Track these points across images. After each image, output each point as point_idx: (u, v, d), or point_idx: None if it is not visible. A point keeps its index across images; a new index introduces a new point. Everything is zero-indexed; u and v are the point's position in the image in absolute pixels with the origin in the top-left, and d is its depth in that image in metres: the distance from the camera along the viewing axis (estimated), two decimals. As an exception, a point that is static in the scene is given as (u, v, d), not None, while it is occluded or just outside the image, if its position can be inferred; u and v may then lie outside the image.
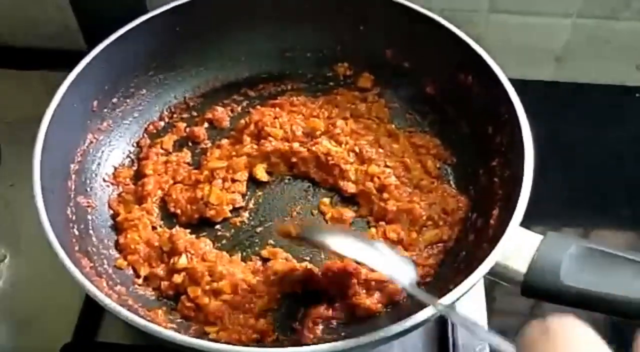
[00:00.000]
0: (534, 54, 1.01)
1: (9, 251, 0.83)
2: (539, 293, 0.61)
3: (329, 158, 0.78)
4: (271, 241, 0.75)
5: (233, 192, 0.78)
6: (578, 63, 1.02)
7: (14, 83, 1.02)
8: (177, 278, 0.70)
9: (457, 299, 0.58)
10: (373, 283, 0.69)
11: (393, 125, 0.84)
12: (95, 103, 0.79)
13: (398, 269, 0.59)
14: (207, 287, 0.68)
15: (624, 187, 0.93)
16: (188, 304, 0.68)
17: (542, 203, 0.87)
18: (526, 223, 0.86)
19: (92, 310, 0.74)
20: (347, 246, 0.61)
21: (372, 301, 0.68)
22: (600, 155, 0.96)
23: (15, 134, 0.90)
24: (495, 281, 0.63)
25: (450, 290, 0.58)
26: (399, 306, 0.69)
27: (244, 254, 0.74)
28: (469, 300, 0.76)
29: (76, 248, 0.68)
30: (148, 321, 0.60)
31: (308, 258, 0.74)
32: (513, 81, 0.98)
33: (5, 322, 0.78)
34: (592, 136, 0.98)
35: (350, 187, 0.77)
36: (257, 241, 0.76)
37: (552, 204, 0.90)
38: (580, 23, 0.96)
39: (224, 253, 0.73)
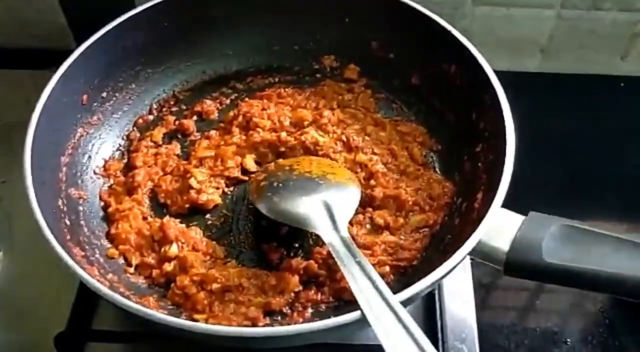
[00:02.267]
0: (519, 46, 1.02)
1: (3, 245, 0.84)
2: (521, 271, 0.62)
3: (317, 147, 0.79)
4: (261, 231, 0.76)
5: (221, 177, 0.79)
6: (563, 54, 1.03)
7: (5, 82, 1.03)
8: (168, 266, 0.70)
9: (442, 277, 0.59)
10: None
11: (379, 115, 0.85)
12: (84, 97, 0.80)
13: None
14: (195, 278, 0.68)
15: (610, 177, 0.94)
16: (177, 291, 0.68)
17: (527, 194, 0.89)
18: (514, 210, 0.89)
19: (85, 300, 0.75)
20: None
21: (359, 285, 0.69)
22: (586, 145, 0.97)
23: (6, 133, 0.90)
24: (479, 261, 0.64)
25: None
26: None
27: (233, 242, 0.75)
28: (455, 283, 0.77)
29: (68, 237, 0.69)
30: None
31: (297, 244, 0.75)
32: (499, 73, 0.99)
33: (0, 315, 0.78)
34: (578, 127, 0.99)
35: None
36: (246, 229, 0.76)
37: (537, 196, 0.90)
38: (564, 14, 0.97)
39: (214, 242, 0.74)
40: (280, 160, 0.78)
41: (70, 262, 0.60)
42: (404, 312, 0.54)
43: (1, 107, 0.99)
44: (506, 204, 0.64)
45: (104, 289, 0.58)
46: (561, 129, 0.98)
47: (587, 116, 1.01)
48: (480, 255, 0.63)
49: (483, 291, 0.81)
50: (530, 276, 0.62)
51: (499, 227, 0.63)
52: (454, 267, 0.60)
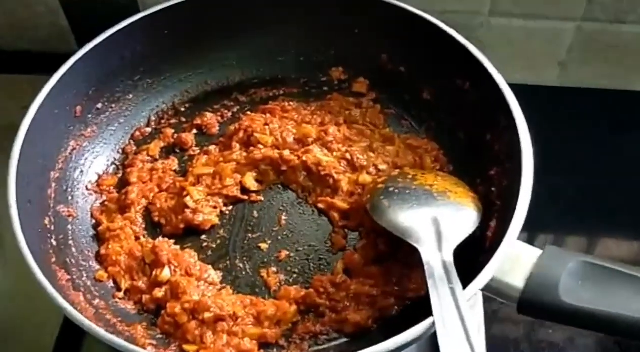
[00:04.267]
0: (537, 59, 0.99)
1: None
2: (536, 311, 0.58)
3: (320, 168, 0.75)
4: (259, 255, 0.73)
5: (219, 196, 0.75)
6: (582, 68, 0.99)
7: (3, 87, 1.00)
8: (159, 292, 0.67)
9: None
10: (364, 297, 0.66)
11: (388, 130, 0.82)
12: (78, 109, 0.77)
13: None
14: (187, 305, 0.65)
15: (630, 195, 0.90)
16: (168, 319, 0.65)
17: (545, 212, 0.86)
18: (528, 232, 0.86)
19: (73, 324, 0.71)
20: None
21: (362, 316, 0.65)
22: (606, 162, 0.93)
23: (1, 140, 0.87)
24: (491, 296, 0.60)
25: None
26: (391, 321, 0.66)
27: (229, 266, 0.71)
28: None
29: (53, 260, 0.66)
30: (126, 337, 0.58)
31: (297, 270, 0.71)
32: (515, 86, 0.96)
33: None
34: (596, 144, 0.96)
35: (343, 206, 0.74)
36: (244, 253, 0.73)
37: (555, 213, 0.88)
38: (585, 27, 0.93)
39: (209, 266, 0.70)
40: (407, 168, 0.74)
41: (53, 292, 0.57)
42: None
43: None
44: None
45: (86, 322, 0.55)
46: (579, 146, 0.95)
47: (606, 132, 0.97)
48: (493, 291, 0.60)
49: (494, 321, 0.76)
50: (546, 317, 0.58)
51: (513, 262, 0.59)
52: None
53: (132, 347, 0.54)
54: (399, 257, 0.69)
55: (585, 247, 0.86)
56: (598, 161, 0.93)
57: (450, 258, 0.59)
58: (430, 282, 0.57)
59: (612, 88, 1.00)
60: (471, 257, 0.66)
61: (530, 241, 0.83)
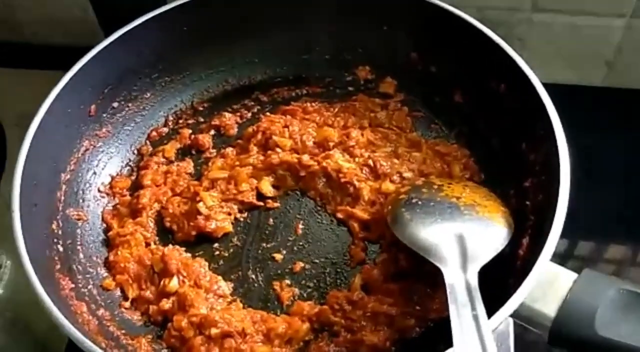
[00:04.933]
0: (583, 58, 0.93)
1: (10, 255, 0.80)
2: (569, 343, 0.54)
3: (340, 175, 0.72)
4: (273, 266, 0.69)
5: (234, 202, 0.73)
6: (631, 68, 0.93)
7: (34, 82, 1.00)
8: (166, 303, 0.64)
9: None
10: (382, 317, 0.62)
11: (415, 134, 0.78)
12: (92, 107, 0.75)
13: None
14: (194, 319, 0.62)
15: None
16: (174, 333, 0.63)
17: (586, 226, 0.80)
18: (566, 250, 0.80)
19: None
20: None
21: (379, 338, 0.62)
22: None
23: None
24: (521, 324, 0.56)
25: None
26: (411, 344, 0.62)
27: (241, 277, 0.69)
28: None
29: (57, 267, 0.64)
30: (129, 351, 0.55)
31: (312, 284, 0.68)
32: (558, 87, 0.90)
33: (5, 327, 0.76)
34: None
35: (363, 216, 0.70)
36: (257, 263, 0.70)
37: (599, 227, 0.82)
38: (635, 24, 0.87)
39: (219, 277, 0.67)
40: (433, 177, 0.71)
41: (49, 303, 0.54)
42: None
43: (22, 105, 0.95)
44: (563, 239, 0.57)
45: (79, 335, 0.52)
46: (626, 150, 0.90)
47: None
48: (522, 319, 0.56)
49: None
50: (580, 351, 0.53)
51: (546, 287, 0.55)
52: (494, 330, 0.52)
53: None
54: (421, 274, 0.65)
55: (631, 269, 0.81)
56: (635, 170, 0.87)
57: (474, 281, 0.55)
58: (452, 308, 0.53)
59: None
60: (500, 277, 0.61)
61: (569, 261, 0.79)
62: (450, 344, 0.50)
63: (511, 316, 0.54)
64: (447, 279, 0.55)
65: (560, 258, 0.58)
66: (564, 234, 0.56)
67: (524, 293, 0.53)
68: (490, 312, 0.53)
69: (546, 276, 0.55)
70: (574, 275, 0.55)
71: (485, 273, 0.61)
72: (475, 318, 0.51)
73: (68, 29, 1.02)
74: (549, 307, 0.53)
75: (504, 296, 0.54)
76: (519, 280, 0.54)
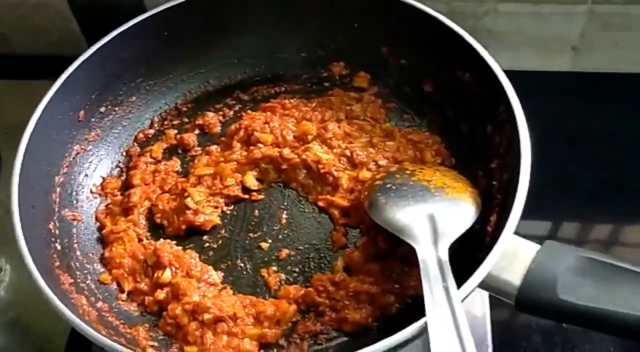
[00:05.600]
0: (549, 44, 0.96)
1: (10, 259, 0.83)
2: (533, 308, 0.57)
3: (320, 166, 0.75)
4: (260, 255, 0.73)
5: (220, 196, 0.76)
6: (596, 52, 0.97)
7: (18, 93, 1.02)
8: (160, 294, 0.68)
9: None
10: (363, 296, 0.66)
11: (389, 124, 0.81)
12: (81, 113, 0.78)
13: None
14: (187, 307, 0.65)
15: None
16: (169, 320, 0.66)
17: (556, 201, 0.84)
18: (543, 219, 0.84)
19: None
20: None
21: (361, 315, 0.65)
22: (623, 148, 0.91)
23: (17, 142, 0.89)
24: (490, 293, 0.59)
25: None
26: (391, 319, 0.65)
27: (230, 266, 0.72)
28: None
29: (57, 264, 0.67)
30: (128, 339, 0.59)
31: (297, 269, 0.71)
32: (527, 73, 0.94)
33: (5, 329, 0.78)
34: (612, 129, 0.93)
35: (343, 203, 0.74)
36: (245, 252, 0.73)
37: (568, 202, 0.86)
38: (597, 9, 0.91)
39: (210, 267, 0.71)
40: (406, 163, 0.74)
41: (52, 296, 0.58)
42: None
43: (12, 114, 0.96)
44: (532, 215, 0.59)
45: (86, 327, 0.56)
46: (594, 131, 0.93)
47: (622, 117, 0.95)
48: (490, 288, 0.59)
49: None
50: (544, 315, 0.57)
51: (511, 258, 0.58)
52: (464, 299, 0.56)
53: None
54: (398, 254, 0.68)
55: (599, 240, 0.85)
56: (615, 147, 0.91)
57: (445, 256, 0.58)
58: (424, 281, 0.56)
59: (627, 71, 0.97)
60: (472, 252, 0.65)
61: (545, 234, 0.83)
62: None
63: (480, 286, 0.57)
64: (420, 256, 0.59)
65: (525, 233, 0.62)
66: (528, 213, 0.60)
67: (490, 264, 0.56)
68: (460, 284, 0.56)
69: (511, 248, 0.58)
70: (537, 246, 0.58)
71: (459, 250, 0.65)
72: (446, 289, 0.55)
73: (52, 39, 1.04)
74: (515, 276, 0.56)
75: (474, 269, 0.57)
76: (487, 254, 0.57)
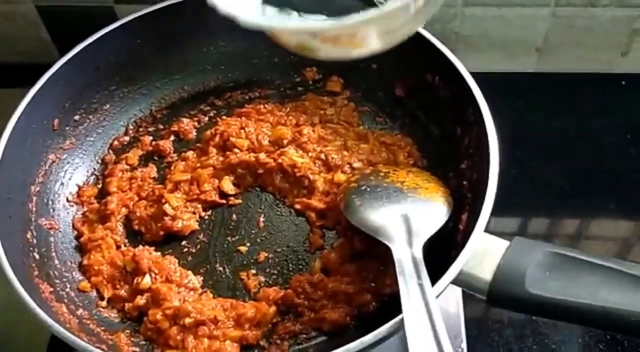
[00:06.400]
0: (514, 46, 0.99)
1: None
2: (504, 302, 0.59)
3: (295, 169, 0.76)
4: (239, 258, 0.74)
5: (198, 202, 0.77)
6: (560, 53, 0.99)
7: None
8: (140, 300, 0.68)
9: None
10: (341, 295, 0.67)
11: (362, 128, 0.83)
12: (56, 122, 0.78)
13: None
14: (168, 312, 0.66)
15: (612, 179, 0.91)
16: (150, 325, 0.66)
17: (526, 199, 0.87)
18: (514, 215, 0.87)
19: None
20: None
21: (339, 314, 0.67)
22: (587, 146, 0.94)
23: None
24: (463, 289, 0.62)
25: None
26: (369, 318, 0.67)
27: (209, 270, 0.73)
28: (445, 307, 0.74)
29: (35, 273, 0.67)
30: (110, 345, 0.60)
31: (276, 271, 0.72)
32: (494, 75, 0.96)
33: None
34: (578, 127, 0.96)
35: (319, 206, 0.75)
36: (223, 256, 0.74)
37: (537, 201, 0.89)
38: (559, 12, 0.94)
39: (189, 272, 0.71)
40: (380, 166, 0.75)
41: (34, 306, 0.58)
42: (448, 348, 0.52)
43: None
44: (503, 211, 0.62)
45: (68, 335, 0.56)
46: (559, 130, 0.95)
47: (588, 116, 0.97)
48: (462, 284, 0.61)
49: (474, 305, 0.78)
50: (514, 308, 0.59)
51: (482, 255, 0.60)
52: (438, 295, 0.57)
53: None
54: (374, 254, 0.70)
55: (571, 232, 0.87)
56: (579, 145, 0.94)
57: (419, 254, 0.60)
58: (400, 279, 0.58)
59: (590, 71, 1.00)
60: (445, 250, 0.67)
61: (514, 230, 0.86)
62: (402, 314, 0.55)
63: (453, 282, 0.59)
64: (395, 255, 0.61)
65: (496, 230, 0.64)
66: (500, 210, 0.62)
67: (462, 261, 0.59)
68: (434, 281, 0.58)
69: (482, 245, 0.60)
70: (506, 242, 0.60)
71: (432, 248, 0.67)
72: (421, 286, 0.57)
73: (21, 47, 1.04)
74: (486, 272, 0.59)
75: (447, 267, 0.59)
76: (459, 252, 0.60)
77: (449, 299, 0.76)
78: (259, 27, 0.48)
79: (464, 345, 0.74)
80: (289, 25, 0.47)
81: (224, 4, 0.47)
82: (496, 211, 0.62)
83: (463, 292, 0.76)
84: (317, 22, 0.46)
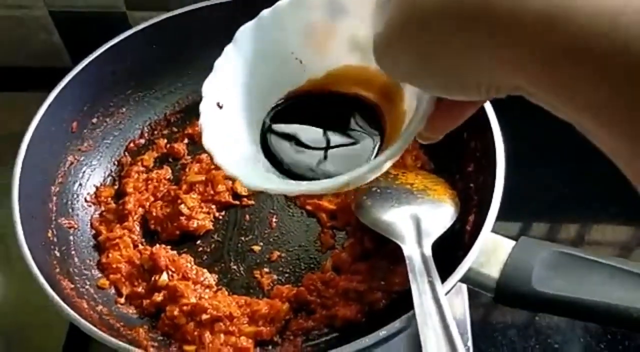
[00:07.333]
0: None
1: (1, 268, 0.85)
2: (511, 299, 0.61)
3: (308, 172, 0.78)
4: (252, 257, 0.76)
5: (212, 202, 0.79)
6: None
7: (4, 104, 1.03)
8: (158, 296, 0.70)
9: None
10: (352, 293, 0.70)
11: (368, 130, 0.85)
12: (74, 124, 0.80)
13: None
14: (185, 308, 0.68)
15: (613, 183, 0.92)
16: (167, 321, 0.68)
17: (529, 202, 0.89)
18: (518, 220, 0.88)
19: (78, 332, 0.75)
20: None
21: (350, 311, 0.69)
22: (591, 151, 0.95)
23: (1, 155, 0.91)
24: (470, 287, 0.64)
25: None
26: (379, 314, 0.69)
27: (224, 269, 0.75)
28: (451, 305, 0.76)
29: (57, 270, 0.69)
30: (129, 339, 0.62)
31: (288, 270, 0.75)
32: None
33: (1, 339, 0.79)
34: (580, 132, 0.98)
35: (330, 207, 0.77)
36: (237, 255, 0.76)
37: (539, 203, 0.91)
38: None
39: (205, 270, 0.73)
40: (389, 168, 0.77)
41: (60, 302, 0.60)
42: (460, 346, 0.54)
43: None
44: (505, 215, 0.63)
45: (93, 328, 0.59)
46: (563, 133, 0.96)
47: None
48: (471, 282, 0.63)
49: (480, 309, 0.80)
50: (521, 305, 0.61)
51: (489, 254, 0.62)
52: (446, 293, 0.59)
53: (136, 350, 0.57)
54: (383, 253, 0.72)
55: (572, 236, 0.89)
56: (580, 149, 0.95)
57: (429, 252, 0.63)
58: (411, 276, 0.60)
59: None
60: (453, 250, 0.69)
61: (522, 231, 0.88)
62: (411, 310, 0.58)
63: (461, 280, 0.61)
64: (406, 253, 0.63)
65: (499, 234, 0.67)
66: (501, 214, 0.64)
67: (471, 260, 0.61)
68: (443, 279, 0.60)
69: (489, 244, 0.62)
70: (512, 242, 0.63)
71: (440, 249, 0.69)
72: (431, 284, 0.59)
73: (33, 51, 1.06)
74: (493, 270, 0.61)
75: (455, 266, 0.62)
76: (467, 251, 0.62)
77: (454, 302, 0.78)
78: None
79: (470, 343, 0.77)
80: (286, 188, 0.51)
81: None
82: (498, 215, 0.64)
83: (469, 294, 0.79)
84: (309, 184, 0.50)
